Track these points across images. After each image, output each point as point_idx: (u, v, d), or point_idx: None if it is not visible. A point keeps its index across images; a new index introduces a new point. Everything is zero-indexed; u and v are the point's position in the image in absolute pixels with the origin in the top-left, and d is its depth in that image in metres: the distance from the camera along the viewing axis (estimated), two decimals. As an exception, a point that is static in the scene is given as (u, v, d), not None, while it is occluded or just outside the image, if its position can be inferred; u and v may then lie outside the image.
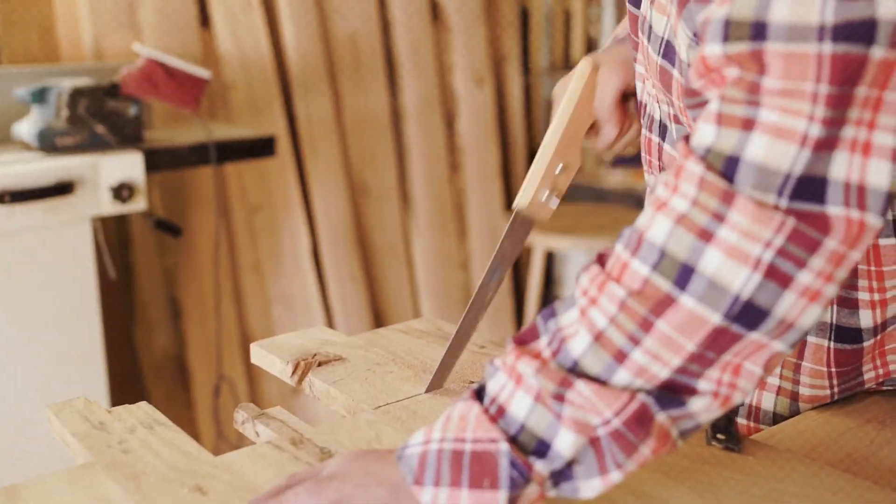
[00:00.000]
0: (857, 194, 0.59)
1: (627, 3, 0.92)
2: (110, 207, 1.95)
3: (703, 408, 0.63)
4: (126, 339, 2.61)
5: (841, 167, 0.59)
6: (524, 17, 3.26)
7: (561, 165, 0.94)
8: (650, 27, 0.86)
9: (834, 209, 0.59)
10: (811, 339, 0.89)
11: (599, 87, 0.95)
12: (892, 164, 0.59)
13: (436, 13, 2.99)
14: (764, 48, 0.60)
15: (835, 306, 0.87)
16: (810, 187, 0.59)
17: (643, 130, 0.96)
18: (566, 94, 0.96)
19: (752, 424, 0.95)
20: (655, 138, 0.92)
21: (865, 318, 0.87)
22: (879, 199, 0.60)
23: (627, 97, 0.98)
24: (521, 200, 0.93)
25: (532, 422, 0.64)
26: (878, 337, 0.88)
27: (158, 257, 2.62)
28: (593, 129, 0.98)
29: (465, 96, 3.06)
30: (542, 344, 0.66)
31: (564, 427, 0.63)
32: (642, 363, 0.62)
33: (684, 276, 0.61)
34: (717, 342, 0.61)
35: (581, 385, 0.62)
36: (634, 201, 3.16)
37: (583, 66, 0.97)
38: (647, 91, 0.93)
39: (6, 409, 1.90)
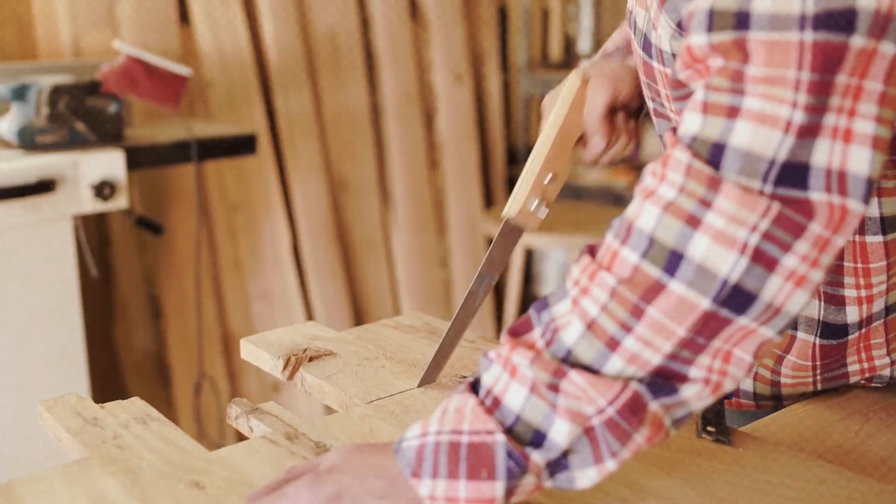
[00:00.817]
0: (839, 180, 0.61)
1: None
2: (91, 205, 1.94)
3: (694, 395, 0.64)
4: (106, 337, 2.59)
5: (823, 154, 0.61)
6: (502, 15, 3.27)
7: (550, 175, 0.94)
8: (635, 22, 0.87)
9: (816, 195, 0.61)
10: (799, 334, 0.90)
11: (588, 100, 0.96)
12: (873, 151, 0.61)
13: (414, 11, 3.00)
14: (747, 37, 0.61)
15: (822, 303, 0.88)
16: (794, 173, 0.61)
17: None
18: (556, 105, 0.97)
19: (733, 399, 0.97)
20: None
21: (852, 314, 0.88)
22: (860, 184, 0.61)
23: (616, 110, 0.98)
24: (511, 209, 0.94)
25: (527, 412, 0.64)
26: (864, 331, 0.90)
27: (138, 255, 2.61)
28: (582, 140, 0.98)
29: (443, 93, 3.06)
30: (536, 335, 0.67)
31: (559, 417, 0.63)
32: (634, 350, 0.63)
33: (673, 262, 0.62)
34: (707, 327, 0.62)
35: (574, 375, 0.63)
36: (612, 198, 3.18)
37: (573, 79, 0.97)
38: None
39: (-13, 407, 1.88)
